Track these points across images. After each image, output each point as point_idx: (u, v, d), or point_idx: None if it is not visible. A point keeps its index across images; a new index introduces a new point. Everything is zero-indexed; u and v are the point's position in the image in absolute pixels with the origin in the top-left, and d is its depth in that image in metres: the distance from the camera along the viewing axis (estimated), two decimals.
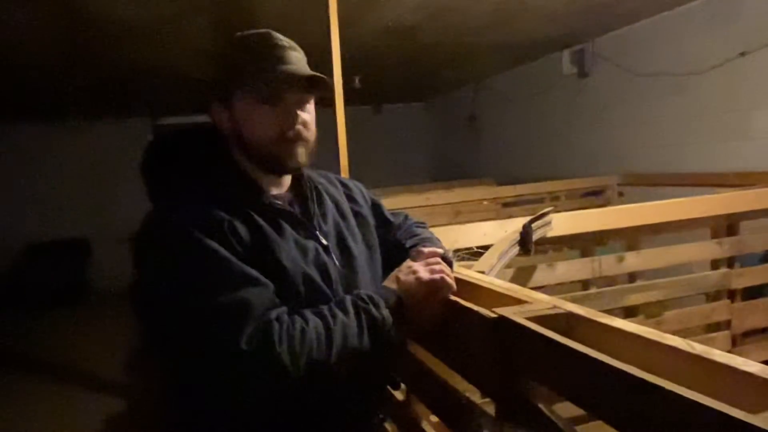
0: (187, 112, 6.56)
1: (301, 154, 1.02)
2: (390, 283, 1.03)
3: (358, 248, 1.11)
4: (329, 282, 1.01)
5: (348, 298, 0.96)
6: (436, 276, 1.01)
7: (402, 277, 1.02)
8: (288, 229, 1.00)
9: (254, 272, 0.89)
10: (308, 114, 1.03)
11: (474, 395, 1.04)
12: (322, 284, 0.99)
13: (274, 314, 0.86)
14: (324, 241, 1.05)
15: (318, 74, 0.98)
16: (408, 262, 1.06)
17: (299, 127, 1.00)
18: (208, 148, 1.05)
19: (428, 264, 1.04)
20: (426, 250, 1.08)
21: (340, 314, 0.92)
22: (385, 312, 0.95)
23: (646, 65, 4.01)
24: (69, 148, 6.76)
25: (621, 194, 4.22)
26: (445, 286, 1.02)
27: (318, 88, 1.00)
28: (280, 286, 0.93)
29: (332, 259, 1.04)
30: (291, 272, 0.95)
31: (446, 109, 7.47)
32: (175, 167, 1.02)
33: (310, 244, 1.01)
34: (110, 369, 4.04)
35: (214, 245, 0.88)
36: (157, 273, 0.90)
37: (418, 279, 1.01)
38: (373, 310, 0.94)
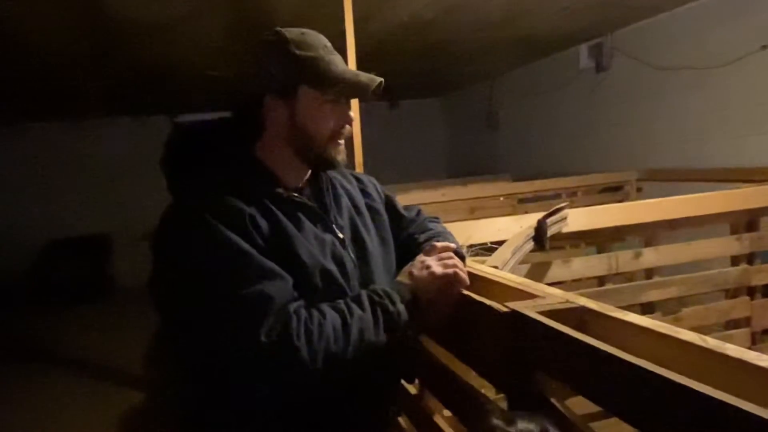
0: (205, 109, 6.64)
1: (344, 152, 1.06)
2: (403, 277, 1.04)
3: (372, 242, 1.12)
4: (346, 276, 1.01)
5: (364, 293, 0.97)
6: (449, 270, 1.02)
7: (415, 272, 1.02)
8: (307, 222, 1.00)
9: (274, 266, 0.90)
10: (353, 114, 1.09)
11: (487, 390, 1.04)
12: (339, 278, 1.00)
13: (292, 308, 0.87)
14: (340, 235, 1.06)
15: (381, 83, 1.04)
16: (421, 257, 1.06)
17: (348, 127, 1.06)
18: (227, 142, 1.06)
19: (441, 258, 1.05)
20: (439, 244, 1.08)
21: (356, 309, 0.93)
22: (401, 307, 0.96)
23: (665, 59, 3.94)
24: (91, 145, 6.87)
25: (639, 190, 4.17)
26: (459, 280, 1.02)
27: (373, 93, 1.05)
28: (298, 279, 0.94)
29: (348, 252, 1.05)
30: (309, 266, 0.95)
31: (462, 104, 7.43)
32: (195, 160, 1.03)
33: (328, 238, 1.02)
34: (134, 363, 4.12)
35: (235, 237, 0.88)
36: (178, 264, 0.90)
37: (432, 274, 1.01)
38: (389, 305, 0.95)
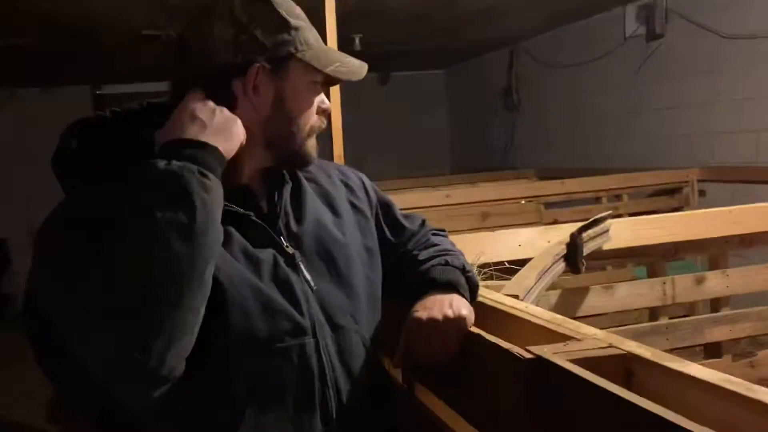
0: (137, 79, 6.62)
1: (316, 147, 1.11)
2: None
3: (349, 254, 1.12)
4: (294, 301, 1.01)
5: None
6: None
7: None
8: (236, 235, 1.00)
9: None
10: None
11: None
12: (284, 304, 0.99)
13: None
14: (289, 249, 1.05)
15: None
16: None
17: (324, 118, 1.12)
18: (144, 133, 1.03)
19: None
20: (425, 318, 1.05)
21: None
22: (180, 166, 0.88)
23: (735, 24, 3.98)
24: None
25: (702, 194, 4.20)
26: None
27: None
28: (218, 308, 0.92)
29: (300, 272, 1.05)
30: (230, 291, 0.94)
31: (472, 79, 7.47)
32: (99, 160, 1.00)
33: (266, 254, 1.02)
34: (38, 413, 4.05)
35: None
36: (42, 265, 0.93)
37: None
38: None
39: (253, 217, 1.03)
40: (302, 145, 1.07)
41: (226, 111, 0.98)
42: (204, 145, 0.92)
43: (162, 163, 0.87)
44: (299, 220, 1.10)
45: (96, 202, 0.90)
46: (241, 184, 1.07)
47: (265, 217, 1.06)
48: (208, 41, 1.00)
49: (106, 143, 1.02)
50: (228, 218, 0.99)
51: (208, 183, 0.87)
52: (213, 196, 0.88)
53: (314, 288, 1.05)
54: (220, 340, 0.92)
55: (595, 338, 0.92)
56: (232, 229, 1.00)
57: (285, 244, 1.06)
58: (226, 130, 0.96)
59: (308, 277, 1.05)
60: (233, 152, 0.96)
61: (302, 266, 1.05)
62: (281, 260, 1.03)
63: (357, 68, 1.09)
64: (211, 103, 0.97)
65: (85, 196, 0.94)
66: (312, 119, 1.08)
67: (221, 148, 0.93)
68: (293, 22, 1.03)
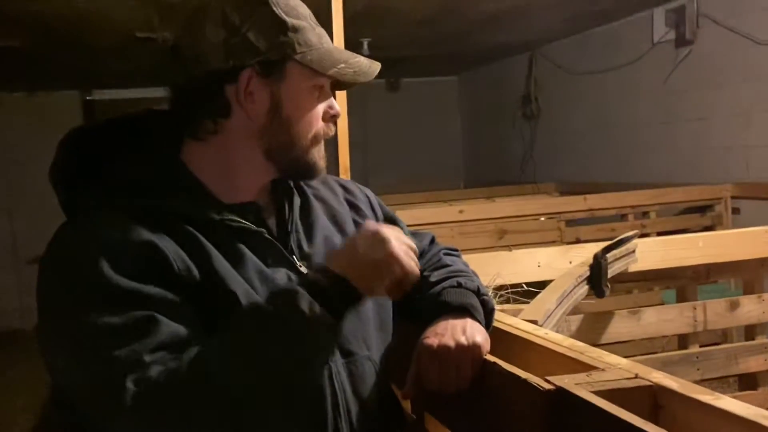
0: (130, 84, 6.66)
1: (324, 156, 1.10)
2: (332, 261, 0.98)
3: None
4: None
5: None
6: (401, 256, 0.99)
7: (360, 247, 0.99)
8: (248, 253, 1.01)
9: (148, 309, 0.89)
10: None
11: None
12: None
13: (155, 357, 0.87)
14: (302, 269, 1.06)
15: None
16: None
17: (332, 124, 1.10)
18: (146, 143, 1.06)
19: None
20: (436, 345, 1.04)
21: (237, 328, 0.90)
22: (310, 306, 0.90)
23: None
24: None
25: (736, 211, 4.18)
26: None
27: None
28: None
29: None
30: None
31: (488, 85, 7.49)
32: (104, 169, 1.03)
33: (280, 274, 1.03)
34: None
35: (116, 279, 0.89)
36: (43, 311, 0.94)
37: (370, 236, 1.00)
38: (287, 310, 0.90)
39: (266, 235, 1.04)
40: (305, 154, 1.06)
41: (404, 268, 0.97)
42: (359, 298, 0.95)
43: (316, 308, 0.89)
44: (309, 239, 1.11)
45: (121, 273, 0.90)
46: (250, 201, 1.08)
47: (276, 234, 1.07)
48: (199, 44, 1.01)
49: (107, 153, 1.04)
50: (239, 235, 1.01)
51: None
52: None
53: None
54: None
55: (619, 368, 0.92)
56: (244, 247, 1.01)
57: (298, 263, 1.06)
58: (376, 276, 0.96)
59: None
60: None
61: None
62: (295, 280, 1.03)
63: (365, 68, 1.07)
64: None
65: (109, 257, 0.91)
66: (316, 126, 1.06)
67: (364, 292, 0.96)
68: (292, 22, 1.02)
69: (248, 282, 0.98)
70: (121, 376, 0.84)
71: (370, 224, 1.03)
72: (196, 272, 0.94)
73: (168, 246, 0.94)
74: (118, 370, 0.84)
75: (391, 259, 0.95)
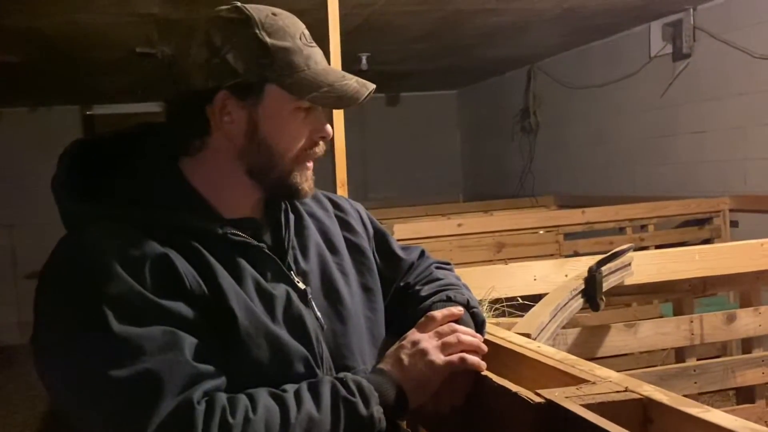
0: (130, 99, 6.69)
1: (312, 178, 1.09)
2: (390, 363, 1.03)
3: (350, 293, 1.13)
4: (306, 341, 1.01)
5: (327, 382, 0.95)
6: (454, 357, 1.02)
7: (406, 359, 1.02)
8: (248, 269, 1.00)
9: (169, 329, 0.88)
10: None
11: None
12: (296, 344, 0.99)
13: (198, 392, 0.86)
14: (301, 285, 1.06)
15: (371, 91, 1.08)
16: (414, 334, 1.06)
17: (322, 144, 1.09)
18: (150, 158, 1.07)
19: (441, 336, 1.04)
20: (438, 314, 1.08)
21: (308, 403, 0.91)
22: (377, 410, 0.94)
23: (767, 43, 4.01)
24: None
25: (734, 224, 4.18)
26: (468, 369, 1.02)
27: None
28: (234, 350, 0.93)
29: (312, 309, 1.05)
30: (247, 332, 0.95)
31: (487, 100, 7.51)
32: (105, 182, 1.03)
33: (280, 290, 1.02)
34: None
35: (125, 286, 0.88)
36: (45, 325, 0.92)
37: (430, 364, 1.01)
38: (360, 406, 0.93)
39: (265, 250, 1.04)
40: (286, 176, 1.05)
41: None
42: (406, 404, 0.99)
43: (374, 410, 0.94)
44: (305, 255, 1.11)
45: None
46: (247, 216, 1.08)
47: (273, 250, 1.07)
48: (186, 63, 1.02)
49: (108, 166, 1.05)
50: (239, 249, 1.01)
51: None
52: None
53: (324, 327, 1.06)
54: (232, 384, 0.92)
55: (610, 381, 0.92)
56: (243, 262, 1.01)
57: (296, 279, 1.06)
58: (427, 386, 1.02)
59: (319, 314, 1.06)
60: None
61: (314, 303, 1.06)
62: (294, 296, 1.03)
63: (351, 92, 1.04)
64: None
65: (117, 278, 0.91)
66: (297, 148, 1.05)
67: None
68: (274, 44, 1.01)
69: (248, 297, 0.98)
70: (146, 406, 0.83)
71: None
72: (204, 287, 0.94)
73: (178, 260, 0.94)
74: (147, 394, 0.84)
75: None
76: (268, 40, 1.01)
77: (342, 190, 2.45)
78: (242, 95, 1.01)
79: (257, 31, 1.01)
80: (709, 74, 4.42)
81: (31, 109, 7.01)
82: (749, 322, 2.17)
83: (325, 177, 1.12)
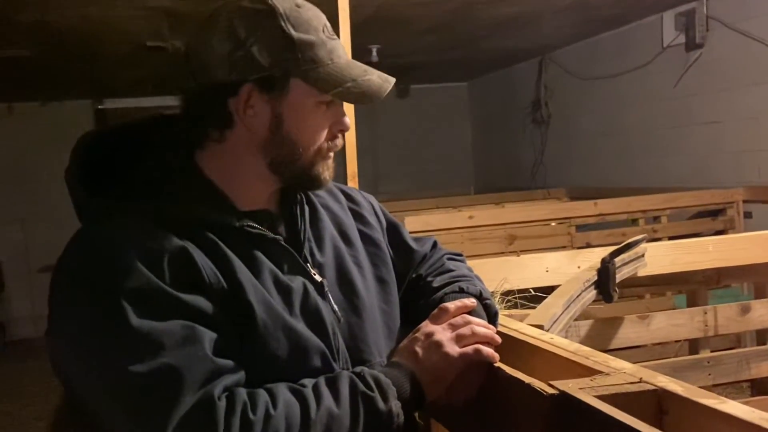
0: (140, 93, 6.71)
1: (332, 167, 1.09)
2: (404, 356, 1.03)
3: (366, 286, 1.13)
4: (323, 334, 1.01)
5: (345, 376, 0.95)
6: (468, 349, 1.02)
7: (421, 352, 1.02)
8: (266, 262, 1.00)
9: (189, 324, 0.88)
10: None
11: None
12: (313, 337, 0.99)
13: (219, 387, 0.86)
14: (317, 277, 1.06)
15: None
16: (427, 326, 1.06)
17: (341, 137, 1.09)
18: (163, 145, 1.07)
19: (455, 328, 1.04)
20: (451, 306, 1.08)
21: (327, 399, 0.91)
22: (395, 405, 0.95)
23: None
24: None
25: (748, 215, 4.16)
26: (482, 361, 1.02)
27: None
28: (252, 344, 0.93)
29: (328, 301, 1.05)
30: (265, 325, 0.95)
31: (498, 91, 7.49)
32: (119, 174, 1.03)
33: (297, 283, 1.02)
34: None
35: (144, 280, 0.88)
36: (62, 318, 0.92)
37: (444, 356, 1.01)
38: (379, 401, 0.93)
39: (282, 242, 1.04)
40: (309, 168, 1.05)
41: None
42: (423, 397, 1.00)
43: (393, 405, 0.94)
44: (320, 248, 1.11)
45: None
46: (262, 208, 1.08)
47: (289, 242, 1.06)
48: (207, 55, 1.01)
49: (122, 157, 1.04)
50: (256, 242, 1.01)
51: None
52: None
53: (341, 319, 1.06)
54: (249, 377, 0.92)
55: (624, 372, 0.92)
56: (260, 254, 1.00)
57: (312, 271, 1.06)
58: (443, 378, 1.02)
59: (335, 307, 1.06)
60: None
61: (330, 296, 1.06)
62: (311, 289, 1.03)
63: (375, 88, 1.04)
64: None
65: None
66: (320, 141, 1.05)
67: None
68: (300, 37, 1.00)
69: (266, 290, 0.98)
70: (167, 401, 0.83)
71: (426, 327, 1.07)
72: (222, 281, 0.94)
73: (196, 253, 0.93)
74: (167, 390, 0.84)
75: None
76: (294, 33, 1.00)
77: (353, 183, 2.45)
78: (267, 89, 1.01)
79: (283, 24, 0.99)
80: (723, 64, 4.39)
81: (42, 104, 7.05)
82: (764, 313, 2.16)
83: (336, 170, 1.12)
